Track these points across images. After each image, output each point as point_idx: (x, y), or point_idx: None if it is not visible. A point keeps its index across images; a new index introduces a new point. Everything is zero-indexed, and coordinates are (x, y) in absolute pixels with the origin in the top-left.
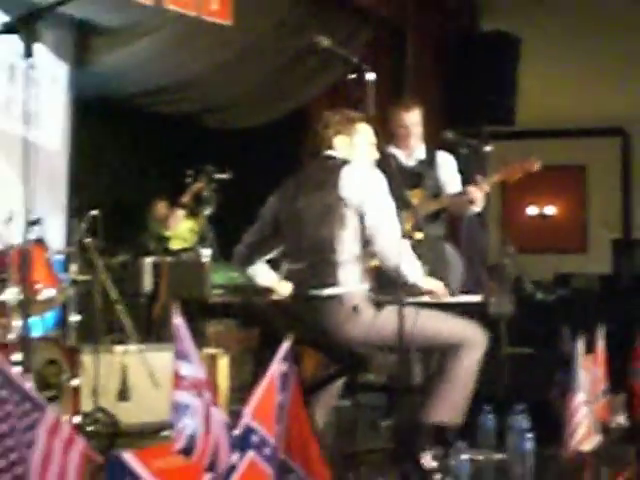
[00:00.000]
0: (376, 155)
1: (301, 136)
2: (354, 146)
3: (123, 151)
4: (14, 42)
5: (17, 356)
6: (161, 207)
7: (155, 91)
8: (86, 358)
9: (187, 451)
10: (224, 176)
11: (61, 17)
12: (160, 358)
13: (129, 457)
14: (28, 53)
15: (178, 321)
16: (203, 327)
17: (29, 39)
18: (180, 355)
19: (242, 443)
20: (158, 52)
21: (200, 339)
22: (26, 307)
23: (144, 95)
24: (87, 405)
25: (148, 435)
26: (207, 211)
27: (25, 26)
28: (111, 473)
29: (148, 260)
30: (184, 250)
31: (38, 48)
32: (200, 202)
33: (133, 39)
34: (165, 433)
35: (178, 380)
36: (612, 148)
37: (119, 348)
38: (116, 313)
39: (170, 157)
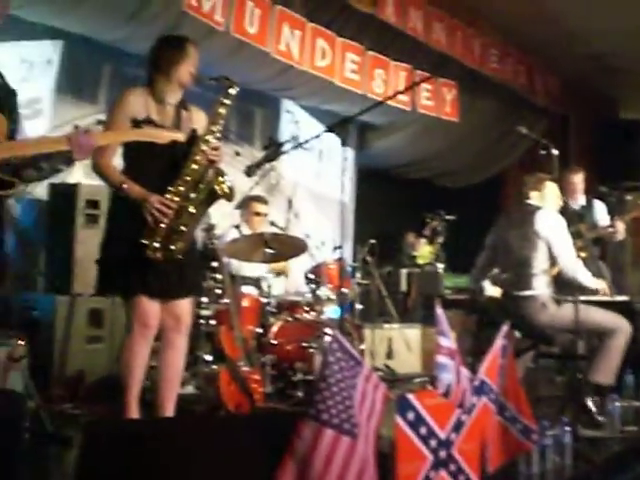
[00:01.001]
0: (559, 203)
1: (502, 191)
2: (544, 197)
3: (388, 201)
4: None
5: (328, 329)
6: (411, 237)
7: (407, 164)
8: (367, 332)
9: (446, 394)
10: (450, 217)
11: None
12: (412, 332)
13: (411, 397)
14: (343, 143)
15: (439, 311)
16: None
17: (343, 135)
18: (440, 332)
19: (478, 390)
20: (409, 139)
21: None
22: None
23: (400, 167)
24: (368, 361)
25: (405, 381)
26: (440, 240)
27: (340, 127)
28: (401, 406)
29: (404, 271)
30: (426, 265)
31: (336, 139)
32: (435, 234)
33: (394, 131)
34: (416, 380)
35: (439, 349)
36: None
37: (386, 325)
38: (385, 304)
39: (417, 205)
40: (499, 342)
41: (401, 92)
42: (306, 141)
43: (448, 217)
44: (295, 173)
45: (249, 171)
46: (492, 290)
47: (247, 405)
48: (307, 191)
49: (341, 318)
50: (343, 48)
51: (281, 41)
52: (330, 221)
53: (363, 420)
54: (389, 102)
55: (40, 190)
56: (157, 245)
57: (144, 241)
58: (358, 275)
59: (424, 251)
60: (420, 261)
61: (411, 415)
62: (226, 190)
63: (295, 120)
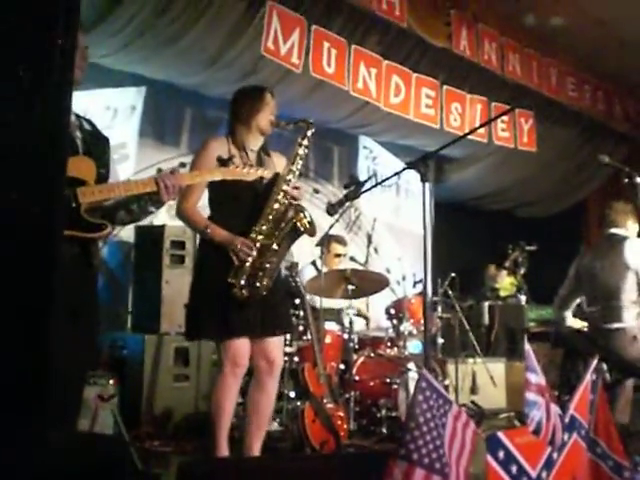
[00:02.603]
0: None
1: (583, 219)
2: (629, 227)
3: (467, 233)
4: (396, 170)
5: (411, 364)
6: (492, 269)
7: (485, 196)
8: (450, 366)
9: (536, 432)
10: (532, 248)
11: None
12: (496, 367)
13: (501, 435)
14: (424, 179)
15: (527, 347)
16: (522, 346)
17: (423, 171)
18: (529, 368)
19: (569, 427)
20: (487, 171)
21: (520, 354)
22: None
23: (477, 198)
24: (452, 397)
25: (490, 417)
26: (522, 271)
27: (421, 164)
28: (491, 445)
29: (486, 303)
30: (508, 297)
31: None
32: (517, 265)
33: (471, 163)
34: (501, 416)
35: (528, 385)
36: None
37: (470, 360)
38: (467, 337)
39: (497, 236)
40: (588, 377)
41: (479, 127)
42: (387, 179)
43: (529, 248)
44: (374, 208)
45: (330, 209)
46: (573, 321)
47: (332, 442)
48: (386, 226)
49: (426, 354)
50: (418, 83)
51: (358, 79)
52: (410, 255)
53: (453, 459)
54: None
55: (127, 232)
56: (243, 283)
57: (231, 280)
58: (439, 309)
59: (506, 283)
60: (502, 293)
61: (501, 453)
62: (307, 226)
63: (373, 156)
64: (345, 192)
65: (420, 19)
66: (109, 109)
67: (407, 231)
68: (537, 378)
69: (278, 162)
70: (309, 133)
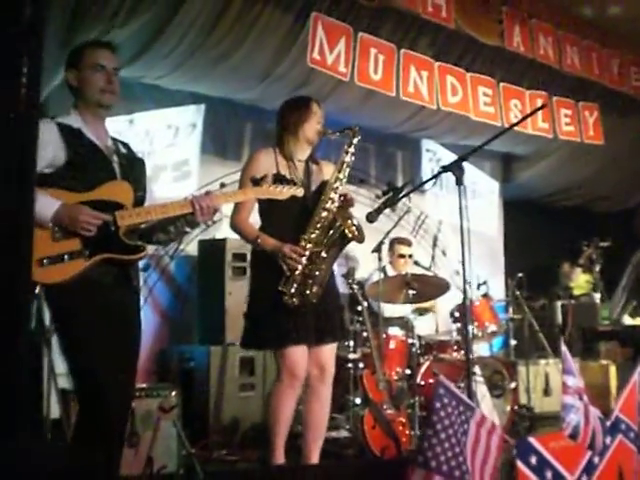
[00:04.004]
0: None
1: None
2: None
3: (538, 232)
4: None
5: (476, 369)
6: (566, 266)
7: (556, 192)
8: (521, 368)
9: (573, 436)
10: (606, 244)
11: (493, 153)
12: None
13: (532, 440)
14: (459, 182)
15: (564, 348)
16: (597, 346)
17: (459, 174)
18: (567, 371)
19: (613, 429)
20: (556, 167)
21: (595, 354)
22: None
23: (549, 195)
24: (523, 399)
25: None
26: (597, 268)
27: (456, 166)
28: (521, 450)
29: (558, 303)
30: (582, 295)
31: (480, 174)
32: (592, 262)
33: (539, 160)
34: None
35: (565, 388)
36: None
37: (542, 361)
38: (538, 338)
39: (569, 233)
40: (636, 377)
41: (517, 123)
42: (423, 183)
43: (603, 244)
44: (440, 210)
45: (370, 217)
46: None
47: (393, 448)
48: (453, 228)
49: (467, 357)
50: (474, 82)
51: (409, 83)
52: (479, 257)
53: (477, 465)
54: (530, 131)
55: (192, 247)
56: (293, 291)
57: (281, 289)
58: (510, 310)
59: (580, 281)
60: (577, 291)
61: (534, 459)
62: (355, 233)
63: (437, 158)
64: (383, 199)
65: (470, 19)
66: (170, 127)
67: (476, 232)
68: (574, 381)
69: (326, 170)
70: (355, 140)
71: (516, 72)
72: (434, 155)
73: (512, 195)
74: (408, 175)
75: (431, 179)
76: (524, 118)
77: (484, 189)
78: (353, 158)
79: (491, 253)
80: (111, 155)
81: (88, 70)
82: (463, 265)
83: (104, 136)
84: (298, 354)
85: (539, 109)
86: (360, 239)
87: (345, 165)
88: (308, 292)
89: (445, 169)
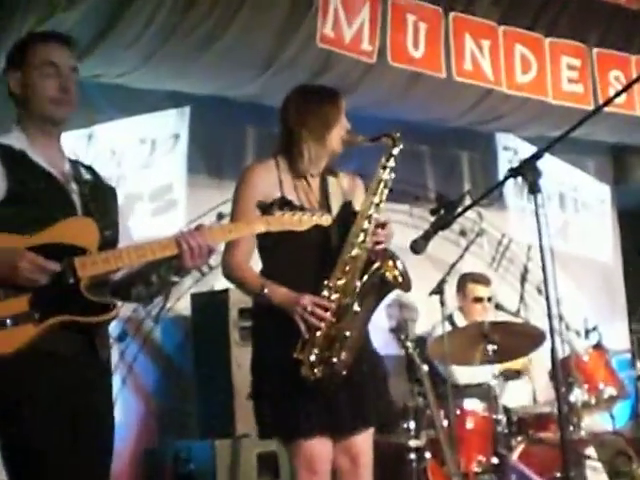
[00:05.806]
0: None
1: None
2: None
3: None
4: (557, 173)
5: (589, 450)
6: None
7: None
8: None
9: None
10: None
11: (598, 146)
12: None
13: None
14: (533, 189)
15: None
16: None
17: (532, 178)
18: None
19: None
20: None
21: None
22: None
23: None
24: None
25: None
26: None
27: (528, 168)
28: None
29: None
30: None
31: (582, 176)
32: None
33: None
34: None
35: None
36: None
37: None
38: None
39: None
40: None
41: (615, 96)
42: (485, 194)
43: None
44: (529, 231)
45: (415, 247)
46: None
47: None
48: (551, 254)
49: (562, 432)
50: (555, 50)
51: (465, 58)
52: (589, 292)
53: None
54: None
55: (184, 304)
56: (314, 359)
57: (298, 356)
58: (639, 364)
59: None
60: None
61: None
62: (399, 278)
63: (519, 158)
64: (434, 219)
65: None
66: (144, 142)
67: (582, 258)
68: None
69: (351, 186)
70: (395, 151)
71: (619, 30)
72: (515, 154)
73: (630, 202)
74: (480, 184)
75: (496, 187)
76: (627, 87)
77: (590, 197)
78: (393, 175)
79: (606, 286)
80: (68, 183)
81: (35, 72)
82: (547, 301)
83: (58, 159)
84: (316, 446)
85: None
86: (406, 286)
87: (382, 185)
88: (335, 360)
89: (513, 172)
